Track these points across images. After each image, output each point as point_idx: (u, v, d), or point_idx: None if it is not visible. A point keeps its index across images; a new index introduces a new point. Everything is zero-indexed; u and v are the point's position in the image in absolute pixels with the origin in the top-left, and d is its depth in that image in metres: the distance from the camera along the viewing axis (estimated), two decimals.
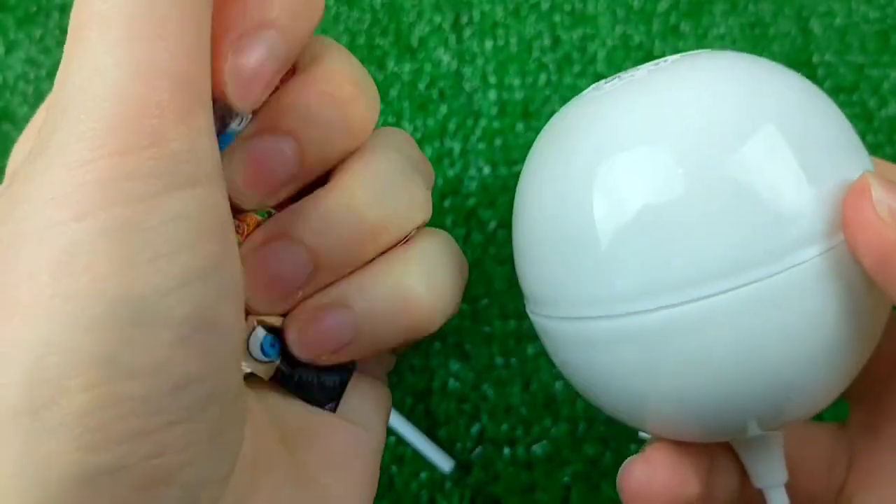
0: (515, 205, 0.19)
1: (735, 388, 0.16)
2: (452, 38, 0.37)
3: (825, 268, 0.15)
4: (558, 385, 0.31)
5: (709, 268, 0.15)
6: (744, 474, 0.19)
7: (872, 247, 0.14)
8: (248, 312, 0.18)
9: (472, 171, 0.35)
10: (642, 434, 0.19)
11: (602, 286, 0.16)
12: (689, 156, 0.16)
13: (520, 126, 0.35)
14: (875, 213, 0.14)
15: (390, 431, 0.31)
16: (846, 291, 0.15)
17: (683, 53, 0.18)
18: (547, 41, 0.37)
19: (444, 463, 0.30)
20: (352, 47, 0.37)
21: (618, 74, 0.18)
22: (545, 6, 0.38)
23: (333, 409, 0.20)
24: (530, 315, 0.19)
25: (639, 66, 0.18)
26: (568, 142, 0.17)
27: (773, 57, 0.37)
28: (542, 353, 0.32)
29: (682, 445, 0.19)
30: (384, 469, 0.30)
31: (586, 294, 0.17)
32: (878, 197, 0.15)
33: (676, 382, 0.16)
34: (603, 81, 0.18)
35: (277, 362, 0.19)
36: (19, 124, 0.36)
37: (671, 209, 0.15)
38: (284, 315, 0.19)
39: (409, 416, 0.30)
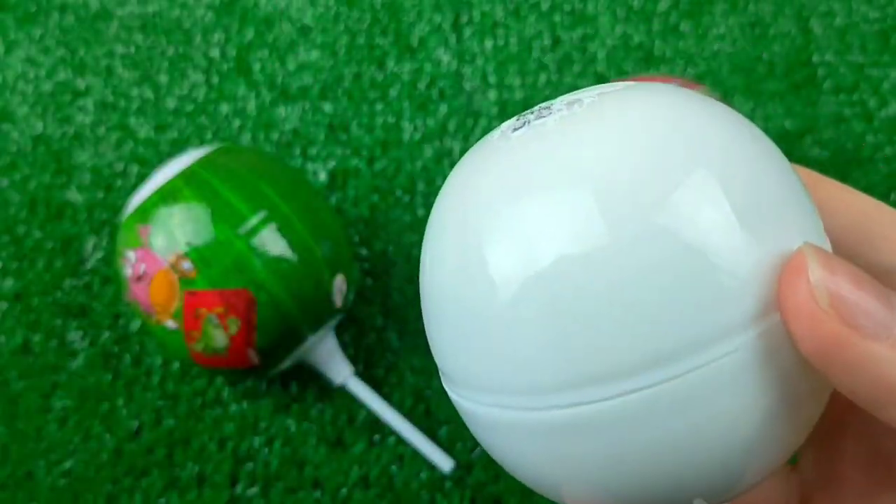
0: (421, 263, 0.17)
1: (672, 479, 0.14)
2: (452, 38, 0.37)
3: (762, 351, 0.13)
4: None
5: (628, 361, 0.13)
6: None
7: (811, 338, 0.13)
8: None
9: None
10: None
11: (509, 376, 0.14)
12: (600, 225, 0.13)
13: None
14: (812, 298, 0.13)
15: (390, 431, 0.31)
16: (786, 373, 0.14)
17: (603, 88, 0.16)
18: (547, 41, 0.37)
19: (444, 463, 0.30)
20: (351, 47, 0.37)
21: (527, 117, 0.16)
22: (545, 6, 0.38)
23: None
24: (444, 387, 0.17)
25: (552, 103, 0.16)
26: (470, 202, 0.15)
27: (772, 57, 0.37)
28: None
29: None
30: (384, 469, 0.30)
31: (493, 382, 0.14)
32: (815, 279, 0.13)
33: (606, 475, 0.14)
34: (510, 124, 0.16)
35: None
36: (19, 124, 0.36)
37: (576, 293, 0.13)
38: None
39: (410, 416, 0.30)
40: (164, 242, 0.26)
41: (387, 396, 0.31)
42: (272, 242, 0.26)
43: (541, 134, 0.15)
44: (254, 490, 0.30)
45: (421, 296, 0.17)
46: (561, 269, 0.13)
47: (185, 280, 0.26)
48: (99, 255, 0.33)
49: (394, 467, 0.30)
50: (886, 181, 0.35)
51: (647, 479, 0.14)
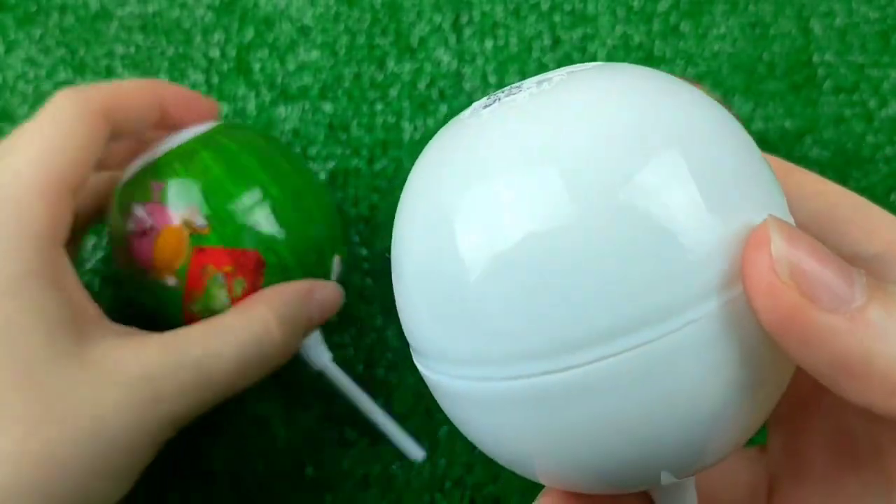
0: (392, 243, 0.17)
1: (638, 450, 0.14)
2: (452, 38, 0.37)
3: (725, 322, 0.14)
4: None
5: (595, 329, 0.13)
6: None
7: (770, 309, 0.13)
8: None
9: None
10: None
11: (478, 346, 0.14)
12: (568, 196, 0.13)
13: None
14: (773, 271, 0.13)
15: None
16: (749, 345, 0.14)
17: (572, 68, 0.16)
18: (547, 41, 0.37)
19: (415, 452, 0.30)
20: (352, 47, 0.37)
21: (498, 95, 0.16)
22: (545, 6, 0.38)
23: None
24: (416, 363, 0.17)
25: (523, 83, 0.16)
26: (440, 178, 0.15)
27: (773, 57, 0.37)
28: None
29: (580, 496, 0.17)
30: (385, 468, 0.30)
31: (463, 352, 0.15)
32: (777, 251, 0.13)
33: (574, 445, 0.14)
34: (482, 102, 0.16)
35: None
36: (19, 124, 0.36)
37: (546, 263, 0.13)
38: None
39: (410, 415, 0.30)
40: (178, 198, 0.26)
41: (387, 397, 0.31)
42: (286, 210, 0.27)
43: (510, 111, 0.15)
44: (254, 490, 0.30)
45: (392, 271, 0.17)
46: (529, 243, 0.13)
47: (196, 236, 0.26)
48: (99, 255, 0.33)
49: (394, 467, 0.31)
50: (886, 181, 0.35)
51: (615, 449, 0.14)
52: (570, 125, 0.14)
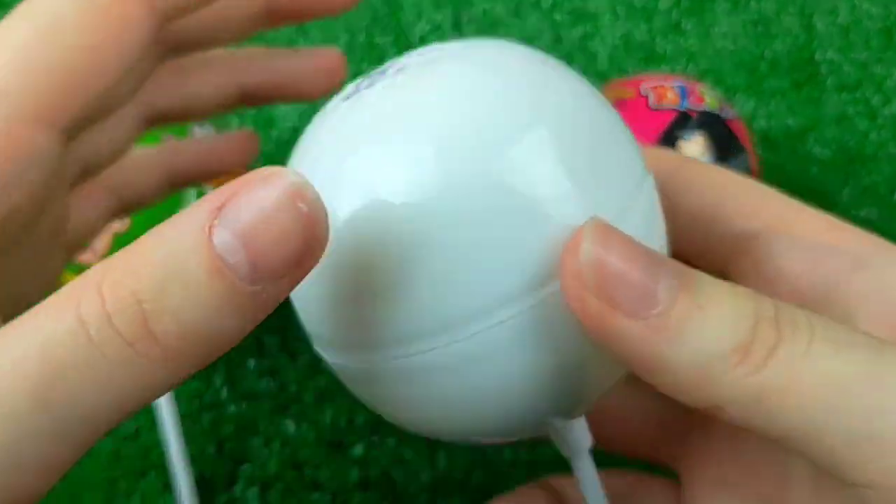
0: None
1: (518, 404, 0.15)
2: (453, 37, 0.37)
3: (560, 304, 0.14)
4: None
5: (463, 307, 0.14)
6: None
7: (580, 312, 0.13)
8: None
9: None
10: None
11: (348, 333, 0.15)
12: (419, 176, 0.14)
13: None
14: (580, 273, 0.13)
15: (389, 433, 0.30)
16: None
17: (433, 48, 0.17)
18: (548, 39, 0.37)
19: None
20: (351, 45, 0.37)
21: (370, 75, 0.17)
22: (546, 4, 0.38)
23: None
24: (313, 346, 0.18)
25: (399, 59, 0.17)
26: (310, 161, 0.16)
27: (775, 55, 0.37)
28: None
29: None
30: (384, 470, 0.30)
31: (335, 338, 0.16)
32: (585, 255, 0.13)
33: (451, 410, 0.15)
34: (354, 84, 0.17)
35: None
36: None
37: (400, 245, 0.14)
38: None
39: None
40: None
41: None
42: None
43: (371, 91, 0.16)
44: (252, 491, 0.30)
45: None
46: (383, 225, 0.14)
47: None
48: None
49: (394, 469, 0.30)
50: (890, 179, 0.35)
51: (500, 409, 0.15)
52: (424, 102, 0.15)
